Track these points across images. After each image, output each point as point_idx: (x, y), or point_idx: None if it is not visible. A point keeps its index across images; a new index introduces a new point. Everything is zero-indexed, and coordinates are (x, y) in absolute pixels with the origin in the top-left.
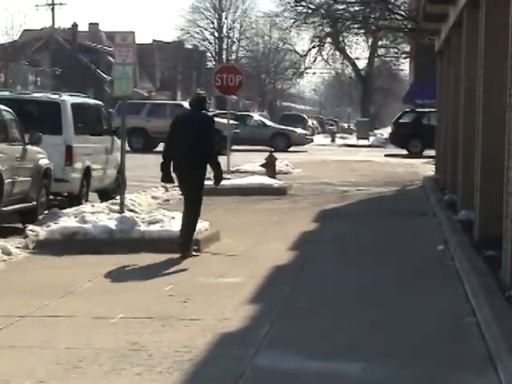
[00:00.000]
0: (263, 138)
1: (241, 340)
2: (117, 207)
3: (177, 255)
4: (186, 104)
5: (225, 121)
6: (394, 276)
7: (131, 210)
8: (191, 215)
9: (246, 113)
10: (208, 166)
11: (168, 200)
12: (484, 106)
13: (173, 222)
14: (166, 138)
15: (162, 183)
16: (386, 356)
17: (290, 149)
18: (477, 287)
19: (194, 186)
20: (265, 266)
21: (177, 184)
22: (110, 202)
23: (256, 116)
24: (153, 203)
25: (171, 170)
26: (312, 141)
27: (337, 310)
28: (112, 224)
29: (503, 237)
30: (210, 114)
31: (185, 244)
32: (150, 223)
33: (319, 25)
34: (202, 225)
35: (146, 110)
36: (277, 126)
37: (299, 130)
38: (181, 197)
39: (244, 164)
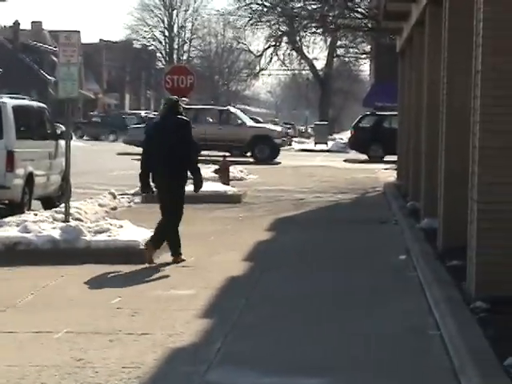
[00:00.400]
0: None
1: (192, 355)
2: (61, 216)
3: (124, 266)
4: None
5: (278, 128)
6: (353, 288)
7: (77, 219)
8: (169, 221)
9: None
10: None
11: (115, 208)
12: (447, 109)
13: (120, 231)
14: (142, 147)
15: (143, 193)
16: (345, 371)
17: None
18: (440, 299)
19: (173, 195)
20: (218, 277)
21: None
22: (54, 210)
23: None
24: (99, 211)
25: (149, 179)
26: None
27: (292, 323)
28: (56, 233)
29: (468, 245)
30: (185, 117)
31: (173, 249)
32: (97, 232)
33: (275, 23)
34: (151, 234)
35: None
36: None
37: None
38: (130, 205)
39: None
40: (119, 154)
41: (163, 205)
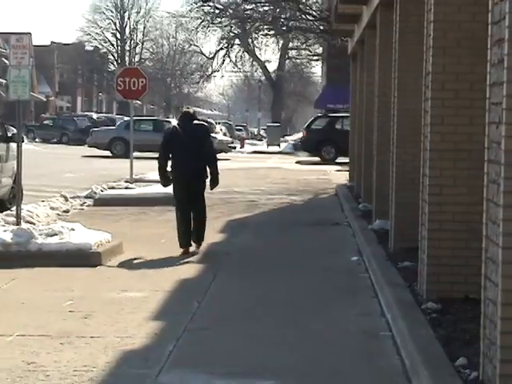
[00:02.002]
0: None
1: (144, 358)
2: (13, 219)
3: (76, 269)
4: None
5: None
6: (305, 290)
7: (28, 222)
8: (198, 217)
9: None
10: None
11: (67, 211)
12: (399, 111)
13: (72, 234)
14: (160, 147)
15: (164, 186)
16: (297, 375)
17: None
18: (392, 300)
19: (198, 193)
20: (170, 280)
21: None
22: (5, 213)
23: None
24: (51, 214)
25: (167, 174)
26: (235, 148)
27: (244, 326)
28: (7, 236)
29: (419, 247)
30: (205, 123)
31: (198, 239)
32: (48, 235)
33: (227, 25)
34: (103, 236)
35: None
36: None
37: (220, 137)
38: (82, 207)
39: (148, 172)
40: (85, 156)
41: (183, 203)
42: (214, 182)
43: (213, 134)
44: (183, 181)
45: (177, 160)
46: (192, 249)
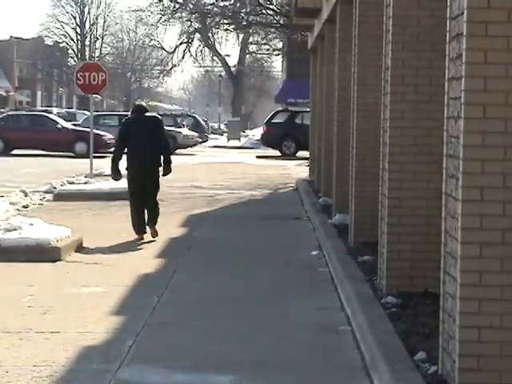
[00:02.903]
0: None
1: (104, 354)
2: None
3: (35, 264)
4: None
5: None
6: (265, 284)
7: None
8: (153, 204)
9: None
10: None
11: (27, 206)
12: (358, 106)
13: (32, 229)
14: (117, 139)
15: (114, 180)
16: (255, 369)
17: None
18: (351, 294)
19: (153, 182)
20: (130, 275)
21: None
22: None
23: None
24: (11, 209)
25: (119, 167)
26: (200, 142)
27: (204, 321)
28: None
29: (379, 241)
30: (157, 115)
31: (155, 222)
32: (7, 231)
33: (187, 20)
34: (63, 231)
35: None
36: None
37: (185, 131)
38: (42, 202)
39: (108, 167)
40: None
41: (138, 191)
42: (167, 169)
43: (178, 129)
44: (139, 169)
45: (133, 149)
46: (148, 237)
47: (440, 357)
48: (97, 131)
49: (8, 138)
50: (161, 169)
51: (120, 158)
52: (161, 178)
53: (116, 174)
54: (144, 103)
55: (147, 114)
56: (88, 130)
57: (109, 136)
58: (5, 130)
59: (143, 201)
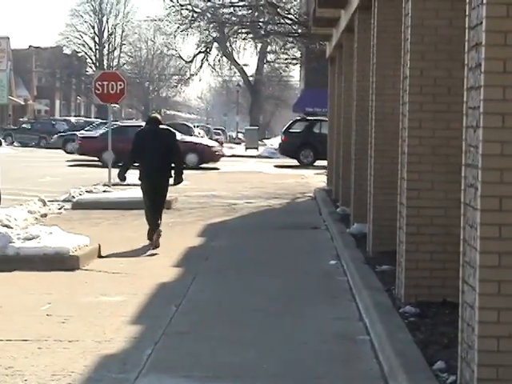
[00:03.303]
0: None
1: (122, 362)
2: None
3: (53, 272)
4: None
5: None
6: (283, 294)
7: (6, 226)
8: (159, 209)
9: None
10: None
11: (45, 214)
12: (376, 115)
13: (50, 238)
14: (131, 149)
15: (120, 180)
16: (273, 378)
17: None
18: (370, 304)
19: (163, 190)
20: (149, 284)
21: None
22: None
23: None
24: (29, 218)
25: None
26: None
27: (223, 330)
28: None
29: (397, 250)
30: (170, 128)
31: (156, 228)
32: (26, 239)
33: (205, 29)
34: (82, 240)
35: None
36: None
37: (212, 143)
38: (60, 211)
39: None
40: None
41: (151, 200)
42: (178, 179)
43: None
44: (147, 185)
45: (143, 162)
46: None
47: (459, 366)
48: (206, 142)
49: (121, 150)
50: (171, 180)
51: (128, 168)
52: (176, 188)
53: (122, 177)
54: (158, 115)
55: (160, 126)
56: (195, 140)
57: (217, 147)
58: (118, 142)
59: (153, 205)
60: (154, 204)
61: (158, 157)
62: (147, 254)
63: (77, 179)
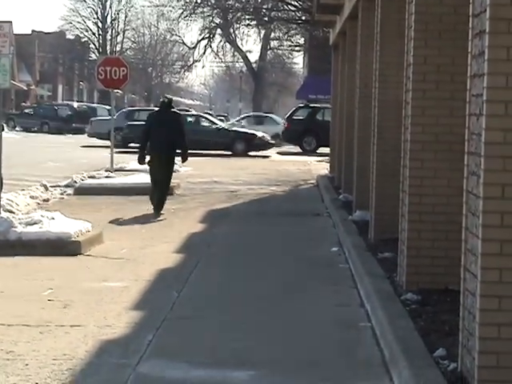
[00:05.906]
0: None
1: (124, 348)
2: None
3: (55, 258)
4: None
5: None
6: (285, 280)
7: (8, 211)
8: (164, 187)
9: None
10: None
11: (48, 200)
12: (380, 102)
13: (52, 223)
14: (143, 130)
15: (140, 163)
16: (276, 364)
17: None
18: (371, 291)
19: (168, 169)
20: (150, 270)
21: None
22: None
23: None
24: (31, 203)
25: (145, 154)
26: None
27: (224, 316)
28: None
29: (399, 238)
30: (178, 111)
31: (158, 207)
32: (28, 224)
33: (209, 15)
34: (84, 226)
35: None
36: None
37: (260, 133)
38: (62, 196)
39: (129, 162)
40: (84, 146)
41: (156, 175)
42: (185, 156)
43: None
44: (154, 155)
45: (154, 135)
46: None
47: (460, 354)
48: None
49: None
50: (178, 159)
51: (145, 148)
52: (178, 174)
53: (141, 160)
54: (168, 99)
55: (170, 109)
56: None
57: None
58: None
59: (157, 181)
60: (158, 182)
61: (166, 133)
62: (149, 239)
63: (80, 164)
